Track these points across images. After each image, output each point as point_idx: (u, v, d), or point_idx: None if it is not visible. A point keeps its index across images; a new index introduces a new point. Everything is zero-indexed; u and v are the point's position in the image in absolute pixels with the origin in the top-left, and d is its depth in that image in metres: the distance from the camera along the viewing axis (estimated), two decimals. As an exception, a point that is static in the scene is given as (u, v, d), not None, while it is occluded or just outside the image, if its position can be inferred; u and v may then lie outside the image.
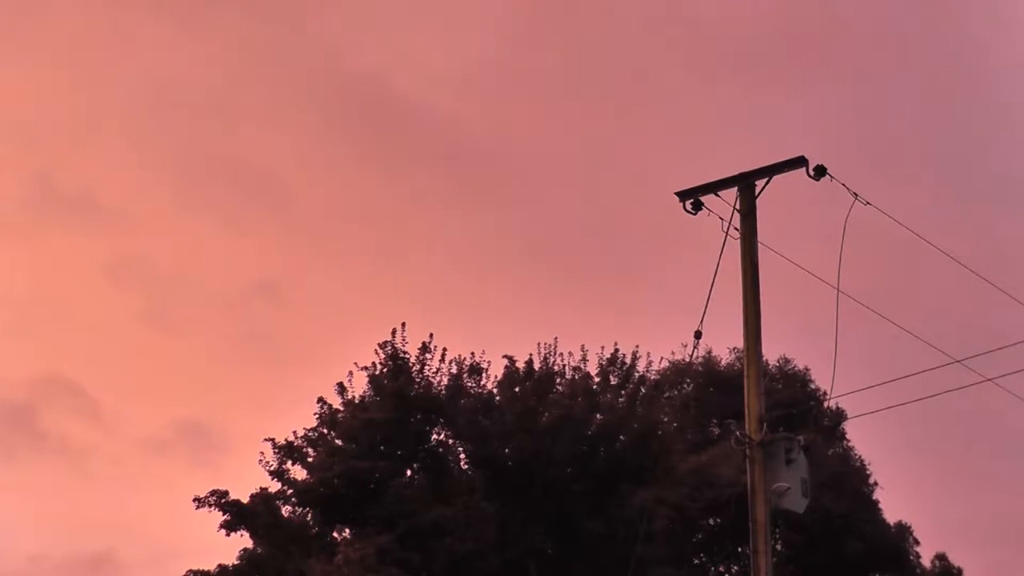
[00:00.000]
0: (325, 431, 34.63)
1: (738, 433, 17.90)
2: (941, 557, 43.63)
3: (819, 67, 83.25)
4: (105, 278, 74.90)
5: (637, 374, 36.99)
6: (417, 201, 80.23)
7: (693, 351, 42.49)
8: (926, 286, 62.94)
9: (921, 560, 41.82)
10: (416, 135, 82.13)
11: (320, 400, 34.83)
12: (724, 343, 42.36)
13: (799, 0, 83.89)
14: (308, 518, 34.39)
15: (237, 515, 33.26)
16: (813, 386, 42.65)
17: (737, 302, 18.43)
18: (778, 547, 35.79)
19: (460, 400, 34.94)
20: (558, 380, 36.22)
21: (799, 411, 37.15)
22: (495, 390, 36.08)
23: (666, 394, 41.79)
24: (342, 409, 34.72)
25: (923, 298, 62.08)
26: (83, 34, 77.77)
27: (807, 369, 43.03)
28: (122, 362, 71.08)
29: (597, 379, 36.60)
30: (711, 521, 37.40)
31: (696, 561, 38.43)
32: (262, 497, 33.52)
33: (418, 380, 34.51)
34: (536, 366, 36.19)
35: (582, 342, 37.16)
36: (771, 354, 41.53)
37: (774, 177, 18.48)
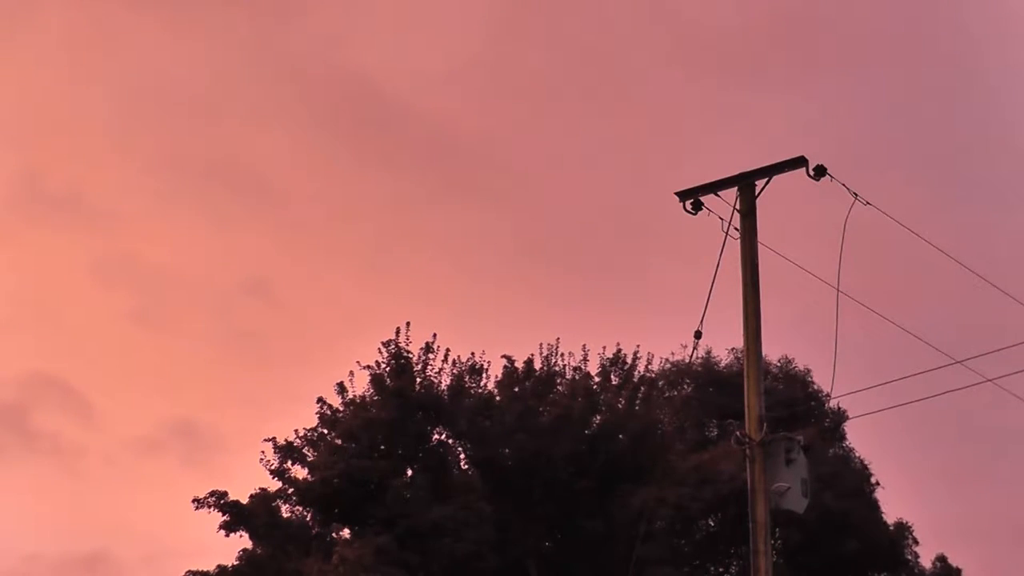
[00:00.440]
0: (325, 431, 34.64)
1: (738, 433, 17.91)
2: (941, 559, 43.61)
3: (818, 67, 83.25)
4: (93, 277, 74.86)
5: (637, 374, 37.02)
6: (408, 199, 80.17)
7: (693, 351, 42.79)
8: (926, 286, 62.91)
9: (920, 560, 41.80)
10: (405, 133, 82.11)
11: (320, 400, 34.86)
12: (724, 343, 42.38)
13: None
14: (308, 518, 34.41)
15: (236, 516, 33.28)
16: (814, 386, 42.64)
17: (737, 302, 18.45)
18: (778, 542, 35.77)
19: (461, 400, 34.95)
20: (559, 380, 36.25)
21: (799, 411, 37.16)
22: (495, 390, 36.10)
23: (666, 394, 41.79)
24: (342, 409, 34.72)
25: (923, 298, 62.07)
26: (69, 32, 77.60)
27: (807, 369, 43.02)
28: (112, 361, 71.09)
29: (597, 379, 36.62)
30: (711, 521, 37.41)
31: (696, 561, 38.42)
32: (261, 497, 33.54)
33: (420, 380, 34.51)
34: (538, 366, 36.23)
35: (583, 342, 37.23)
36: (771, 354, 41.51)
37: (774, 177, 18.50)
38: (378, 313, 71.76)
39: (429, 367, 34.75)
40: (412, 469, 34.34)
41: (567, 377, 36.38)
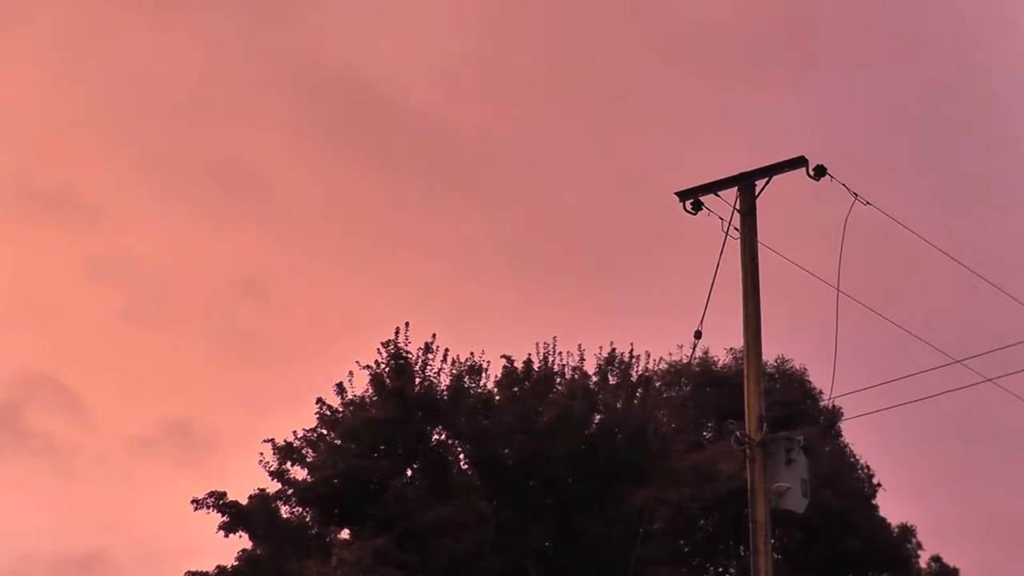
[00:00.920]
0: (325, 431, 34.63)
1: (738, 433, 17.91)
2: (936, 559, 43.68)
3: (817, 66, 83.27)
4: (86, 276, 74.77)
5: (636, 374, 37.04)
6: (403, 198, 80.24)
7: (693, 351, 42.85)
8: (926, 286, 62.95)
9: (919, 560, 41.88)
10: (399, 132, 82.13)
11: (319, 400, 34.86)
12: (721, 343, 42.43)
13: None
14: (307, 519, 34.40)
15: (235, 516, 33.27)
16: (811, 385, 42.68)
17: (736, 302, 18.45)
18: (776, 544, 35.80)
19: (461, 400, 34.95)
20: (557, 380, 36.25)
21: (796, 411, 37.17)
22: (495, 390, 36.11)
23: (664, 395, 41.82)
24: (341, 409, 34.72)
25: (923, 298, 62.10)
26: (60, 31, 77.52)
27: (804, 368, 43.07)
28: (105, 360, 71.02)
29: (596, 379, 36.63)
30: (710, 520, 37.41)
31: (695, 561, 38.44)
32: (261, 498, 33.53)
33: (419, 380, 34.51)
34: (536, 366, 36.22)
35: (581, 342, 37.26)
36: (769, 354, 41.50)
37: (774, 177, 18.51)
38: (373, 312, 71.73)
39: (428, 367, 34.78)
40: (412, 469, 34.34)
41: (566, 377, 36.40)
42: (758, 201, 18.62)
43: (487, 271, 77.26)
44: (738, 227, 18.50)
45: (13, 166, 75.31)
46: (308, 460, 34.20)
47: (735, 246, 18.45)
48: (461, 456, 35.74)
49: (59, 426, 70.00)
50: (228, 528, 33.21)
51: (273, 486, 34.17)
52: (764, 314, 18.24)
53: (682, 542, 37.65)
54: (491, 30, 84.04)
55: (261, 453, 34.16)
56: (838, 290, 18.66)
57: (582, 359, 36.60)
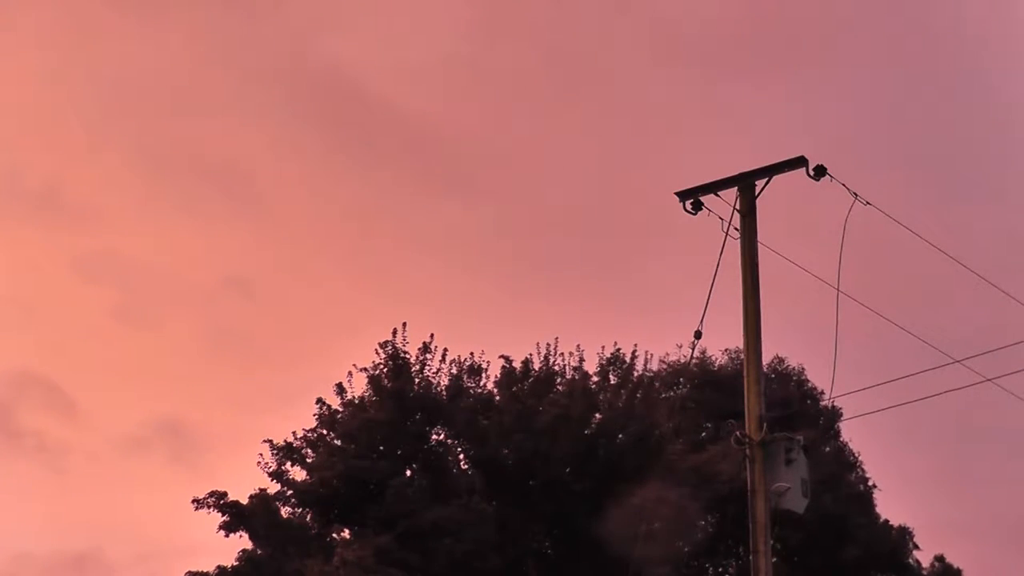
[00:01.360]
0: (324, 432, 34.64)
1: (738, 433, 17.93)
2: (940, 559, 43.71)
3: (816, 66, 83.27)
4: (74, 274, 74.60)
5: (636, 373, 37.04)
6: (390, 196, 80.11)
7: (692, 351, 42.84)
8: (926, 286, 62.93)
9: (919, 560, 41.91)
10: (386, 129, 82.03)
11: (319, 401, 34.87)
12: (720, 343, 42.45)
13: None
14: (308, 519, 34.40)
15: (236, 516, 33.26)
16: (809, 385, 42.72)
17: (735, 302, 18.48)
18: (777, 546, 35.81)
19: (460, 400, 34.95)
20: (558, 380, 36.24)
21: (796, 411, 37.20)
22: (494, 390, 36.11)
23: (663, 395, 41.83)
24: (341, 410, 34.73)
25: (923, 298, 62.10)
26: (46, 28, 77.32)
27: (802, 368, 43.10)
28: (95, 358, 70.73)
29: (596, 379, 36.62)
30: (710, 521, 37.43)
31: (695, 561, 38.45)
32: (261, 498, 33.52)
33: (418, 380, 34.52)
34: (536, 366, 36.22)
35: (582, 342, 37.24)
36: (767, 354, 41.48)
37: (774, 177, 18.53)
38: (364, 310, 71.77)
39: (427, 367, 34.79)
40: (411, 469, 34.34)
41: (566, 377, 36.40)
42: (758, 201, 18.65)
43: (482, 270, 77.27)
44: (738, 227, 18.53)
45: (0, 164, 75.21)
46: (308, 461, 34.20)
47: (735, 246, 18.48)
48: (461, 456, 35.75)
49: (51, 425, 70.06)
50: (228, 528, 33.20)
51: (271, 486, 34.20)
52: (764, 314, 18.27)
53: (682, 542, 37.63)
54: (480, 27, 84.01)
55: (260, 454, 34.20)
56: (838, 290, 18.70)
57: (582, 360, 36.62)
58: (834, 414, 42.03)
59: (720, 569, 39.73)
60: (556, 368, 36.43)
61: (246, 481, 34.38)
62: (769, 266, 18.65)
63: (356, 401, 34.65)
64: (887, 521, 40.84)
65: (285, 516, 34.16)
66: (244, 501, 33.29)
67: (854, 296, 19.84)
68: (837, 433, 42.68)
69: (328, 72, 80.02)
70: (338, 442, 34.32)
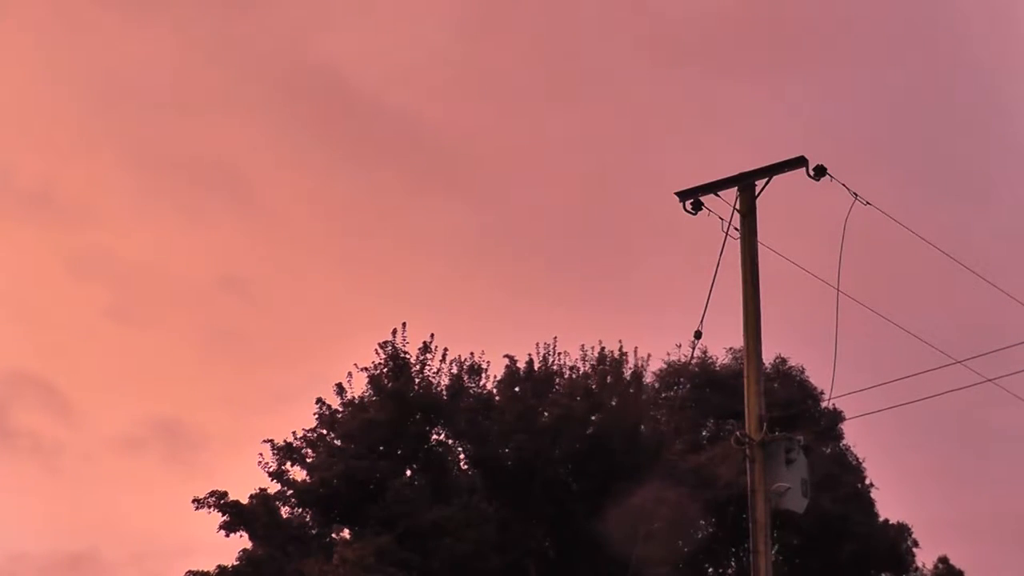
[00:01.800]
0: (324, 432, 34.64)
1: (738, 433, 17.93)
2: (944, 560, 43.69)
3: (816, 66, 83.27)
4: (69, 273, 74.45)
5: (636, 373, 37.02)
6: (383, 195, 79.99)
7: (692, 351, 42.83)
8: (926, 286, 62.93)
9: (920, 560, 41.89)
10: (379, 127, 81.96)
11: (319, 401, 34.88)
12: (720, 343, 42.40)
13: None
14: (308, 519, 34.40)
15: (236, 516, 33.25)
16: (811, 386, 42.65)
17: (735, 302, 18.47)
18: (776, 546, 35.82)
19: (461, 400, 34.95)
20: (557, 380, 36.25)
21: (797, 411, 37.18)
22: (494, 390, 36.11)
23: (663, 395, 41.82)
24: (341, 410, 34.73)
25: (923, 298, 62.09)
26: (37, 26, 77.15)
27: (803, 368, 43.04)
28: (90, 358, 70.75)
29: (596, 379, 36.61)
30: (710, 521, 37.43)
31: (695, 561, 38.44)
32: (261, 498, 33.52)
33: (418, 380, 34.52)
34: (537, 366, 36.23)
35: (581, 342, 37.26)
36: (767, 354, 41.43)
37: (774, 177, 18.53)
38: (358, 308, 71.66)
39: (427, 367, 34.79)
40: (411, 469, 34.35)
41: (565, 377, 36.39)
42: (758, 201, 18.65)
43: (482, 270, 77.18)
44: (738, 227, 18.52)
45: (-6, 163, 74.97)
46: (308, 461, 34.20)
47: (735, 246, 18.48)
48: (461, 456, 35.75)
49: (45, 425, 69.85)
50: (229, 528, 33.19)
51: (269, 484, 34.19)
52: (764, 314, 18.27)
53: (681, 542, 37.64)
54: (475, 25, 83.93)
55: (260, 454, 34.20)
56: (838, 290, 18.69)
57: (583, 359, 36.63)
58: (835, 415, 41.99)
59: (720, 569, 39.72)
60: (555, 368, 36.44)
61: (244, 481, 34.46)
62: (769, 266, 18.66)
63: (356, 401, 34.65)
64: (886, 520, 40.83)
65: (285, 516, 34.17)
66: (243, 501, 33.29)
67: (854, 296, 19.85)
68: (839, 433, 42.65)
69: (322, 71, 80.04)
70: (338, 442, 34.33)
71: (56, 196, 75.24)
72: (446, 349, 35.11)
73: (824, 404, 40.61)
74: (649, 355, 37.70)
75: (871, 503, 41.09)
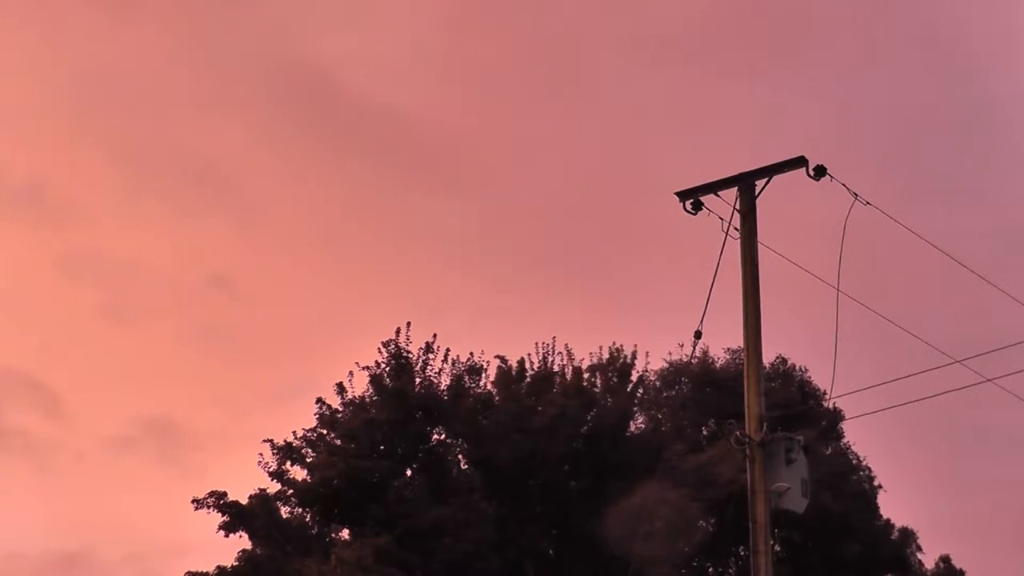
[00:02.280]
0: (325, 431, 34.64)
1: (738, 433, 17.91)
2: (945, 559, 43.68)
3: (816, 66, 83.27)
4: (59, 271, 74.29)
5: (636, 373, 37.07)
6: (373, 192, 79.94)
7: (692, 351, 42.84)
8: (926, 286, 62.93)
9: (921, 561, 41.85)
10: (368, 125, 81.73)
11: (319, 400, 34.87)
12: (721, 343, 42.39)
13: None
14: (307, 519, 34.40)
15: (235, 516, 33.25)
16: (812, 386, 42.63)
17: (736, 302, 18.48)
18: (777, 548, 35.81)
19: (461, 400, 34.95)
20: (556, 380, 36.24)
21: (797, 411, 37.15)
22: (494, 390, 36.11)
23: (663, 394, 41.81)
24: (341, 409, 34.73)
25: (923, 298, 62.08)
26: (24, 25, 76.89)
27: (804, 369, 43.03)
28: (81, 357, 70.49)
29: (596, 378, 36.61)
30: (711, 521, 37.40)
31: (695, 561, 38.43)
32: (261, 498, 33.52)
33: (419, 380, 34.52)
34: (536, 366, 36.23)
35: (581, 342, 37.29)
36: (768, 354, 41.41)
37: (774, 177, 18.53)
38: (349, 307, 71.65)
39: (429, 367, 34.80)
40: (412, 469, 34.36)
41: (565, 377, 36.40)
42: (758, 201, 18.65)
43: (472, 268, 77.06)
44: (738, 227, 18.53)
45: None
46: (308, 460, 34.19)
47: (735, 246, 18.48)
48: (461, 456, 35.75)
49: (37, 424, 69.84)
50: (228, 528, 33.18)
51: (266, 483, 34.20)
52: (764, 314, 18.27)
53: (681, 542, 37.63)
54: (468, 21, 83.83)
55: (260, 453, 34.20)
56: (838, 290, 18.69)
57: (582, 359, 36.66)
58: (836, 415, 41.98)
59: (720, 569, 39.70)
60: (555, 368, 36.44)
61: (238, 479, 34.50)
62: (769, 266, 18.67)
63: (357, 401, 34.66)
64: (888, 520, 40.82)
65: (285, 516, 34.17)
66: (241, 501, 33.29)
67: (854, 296, 19.84)
68: (839, 433, 42.64)
69: (311, 68, 79.92)
70: (339, 442, 34.32)
71: (46, 194, 75.18)
72: (448, 349, 35.20)
73: (825, 404, 40.64)
74: (648, 353, 37.79)
75: (873, 503, 41.09)
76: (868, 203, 18.74)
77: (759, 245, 18.47)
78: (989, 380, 20.79)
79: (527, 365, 36.39)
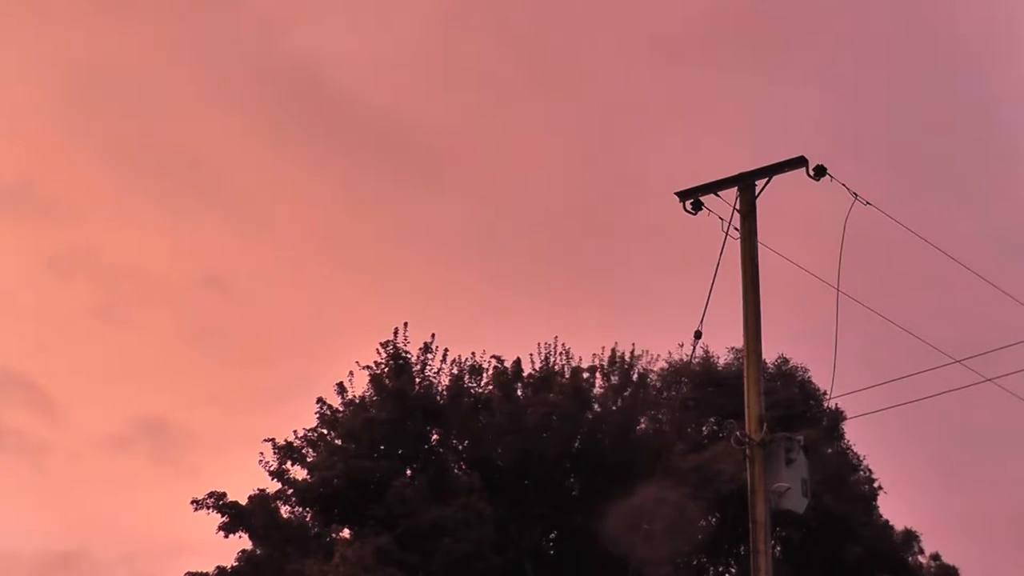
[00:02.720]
0: (325, 431, 34.66)
1: (738, 433, 17.93)
2: (935, 557, 43.65)
3: (816, 65, 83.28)
4: (51, 270, 74.27)
5: (636, 373, 37.04)
6: (367, 191, 79.93)
7: (693, 351, 42.85)
8: (926, 286, 62.93)
9: (922, 563, 41.83)
10: (360, 123, 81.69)
11: (319, 400, 34.88)
12: (722, 343, 42.39)
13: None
14: (307, 519, 34.40)
15: (235, 516, 33.25)
16: (813, 386, 42.61)
17: (736, 302, 18.50)
18: (777, 548, 35.81)
19: (461, 401, 34.96)
20: (559, 380, 36.21)
21: (797, 411, 37.18)
22: (494, 390, 36.09)
23: (664, 394, 41.80)
24: (342, 409, 34.75)
25: (923, 298, 62.09)
26: (15, 23, 76.79)
27: (805, 369, 43.01)
28: (74, 356, 70.47)
29: (597, 378, 36.61)
30: (711, 521, 37.38)
31: (695, 561, 38.43)
32: (261, 498, 33.52)
33: (419, 380, 34.54)
34: (537, 366, 36.21)
35: (581, 342, 37.26)
36: (769, 354, 41.44)
37: (774, 177, 18.54)
38: (343, 306, 71.68)
39: (428, 367, 34.81)
40: (412, 469, 34.35)
41: (566, 377, 36.38)
42: (758, 201, 18.67)
43: (468, 266, 77.05)
44: (738, 227, 18.54)
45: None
46: (308, 460, 34.20)
47: (735, 246, 18.50)
48: (460, 456, 35.73)
49: (30, 424, 69.68)
50: (228, 528, 33.16)
51: (263, 483, 34.20)
52: (764, 314, 18.29)
53: (681, 543, 37.63)
54: (461, 19, 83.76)
55: (261, 453, 34.20)
56: (838, 290, 18.71)
57: (581, 359, 36.65)
58: (837, 415, 41.97)
59: (720, 569, 39.69)
60: (556, 368, 36.42)
61: (233, 479, 34.44)
62: (769, 266, 18.68)
63: (357, 400, 34.67)
64: (888, 521, 40.81)
65: (285, 516, 34.17)
66: (238, 501, 33.28)
67: (854, 296, 19.86)
68: (840, 434, 42.63)
69: (304, 67, 79.92)
70: (339, 441, 34.33)
71: (37, 193, 75.14)
72: (447, 349, 35.20)
73: (826, 404, 40.63)
74: (647, 353, 37.79)
75: (873, 503, 41.08)
76: (868, 203, 18.77)
77: (759, 245, 18.50)
78: (989, 380, 20.83)
79: (529, 365, 36.38)
